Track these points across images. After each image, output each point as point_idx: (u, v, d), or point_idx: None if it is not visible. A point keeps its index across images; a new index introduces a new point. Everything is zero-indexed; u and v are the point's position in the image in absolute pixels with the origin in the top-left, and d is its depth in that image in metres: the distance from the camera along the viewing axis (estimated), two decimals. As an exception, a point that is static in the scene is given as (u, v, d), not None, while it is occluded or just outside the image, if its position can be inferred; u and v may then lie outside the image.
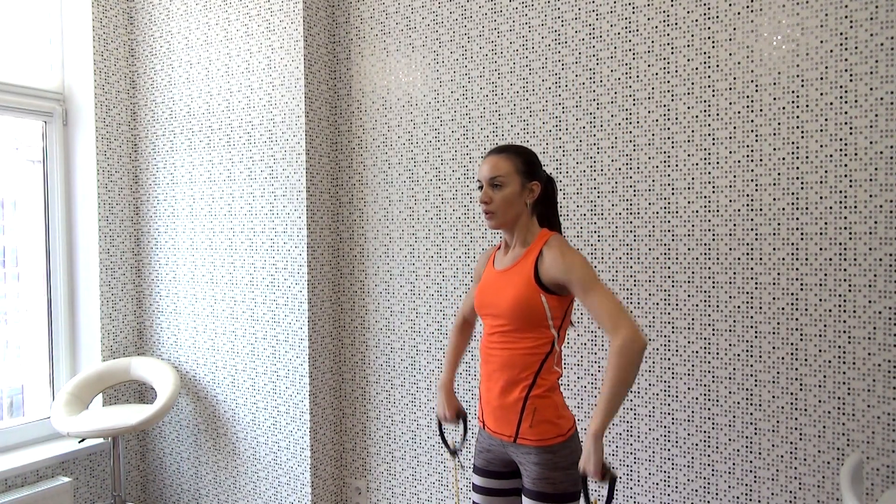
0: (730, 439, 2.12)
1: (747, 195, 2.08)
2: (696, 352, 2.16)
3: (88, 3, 2.94)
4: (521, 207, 1.74)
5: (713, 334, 2.13)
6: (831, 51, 1.96)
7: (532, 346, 1.68)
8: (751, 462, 2.09)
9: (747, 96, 2.07)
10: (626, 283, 2.25)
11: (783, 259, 2.04)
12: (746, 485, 2.10)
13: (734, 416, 2.11)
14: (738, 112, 2.08)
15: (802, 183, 2.00)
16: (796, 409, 2.03)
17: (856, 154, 1.94)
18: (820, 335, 1.99)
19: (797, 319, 2.02)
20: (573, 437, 1.72)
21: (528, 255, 1.71)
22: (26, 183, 3.00)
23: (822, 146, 1.98)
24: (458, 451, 2.02)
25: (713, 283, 2.13)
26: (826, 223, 1.98)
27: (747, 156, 2.07)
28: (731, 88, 2.09)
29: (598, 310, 1.59)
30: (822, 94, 1.98)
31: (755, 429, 2.08)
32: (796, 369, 2.03)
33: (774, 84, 2.03)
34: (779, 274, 2.04)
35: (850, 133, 1.94)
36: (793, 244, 2.02)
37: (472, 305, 1.96)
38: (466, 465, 2.50)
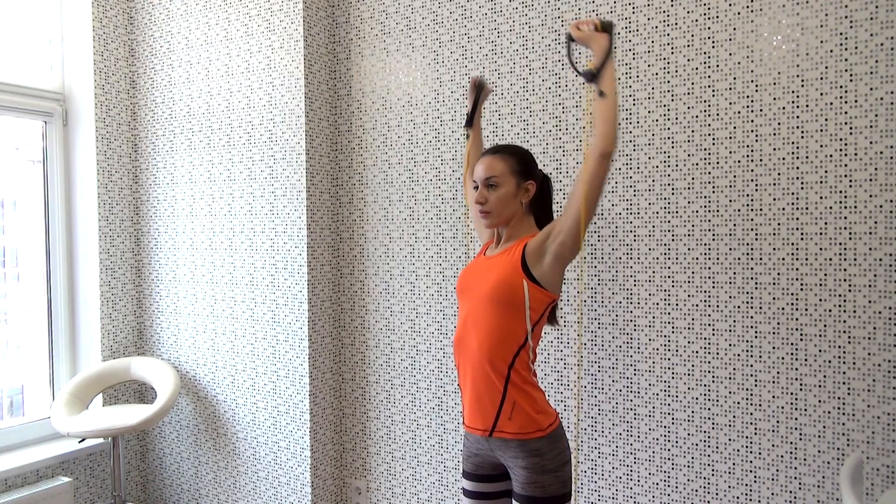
0: (730, 439, 2.12)
1: (747, 195, 2.08)
2: (696, 352, 2.16)
3: (88, 3, 2.94)
4: (517, 207, 1.75)
5: (713, 334, 2.13)
6: (831, 51, 1.96)
7: (506, 331, 1.67)
8: (751, 462, 2.09)
9: (747, 96, 2.07)
10: (626, 283, 2.25)
11: (783, 259, 2.04)
12: (746, 485, 2.10)
13: (734, 416, 2.11)
14: (738, 112, 2.08)
15: (802, 183, 2.00)
16: (796, 409, 2.03)
17: (856, 154, 1.94)
18: (820, 335, 1.99)
19: (797, 319, 2.02)
20: (556, 435, 1.70)
21: (518, 244, 1.73)
22: (26, 183, 3.00)
23: (822, 146, 1.98)
24: (470, 122, 2.11)
25: (713, 283, 2.13)
26: (826, 223, 1.98)
27: (747, 156, 2.07)
28: (731, 88, 2.09)
29: (575, 187, 1.63)
30: (822, 94, 1.98)
31: (755, 429, 2.08)
32: (796, 369, 2.03)
33: (774, 84, 2.03)
34: (779, 274, 2.04)
35: (850, 133, 1.94)
36: (793, 244, 2.02)
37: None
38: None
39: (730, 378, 2.11)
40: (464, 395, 1.78)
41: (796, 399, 2.03)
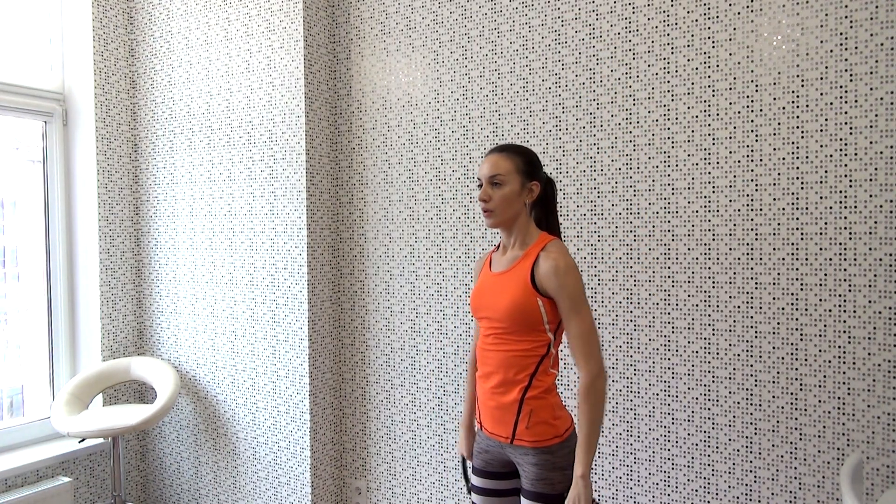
0: (730, 439, 2.12)
1: (747, 195, 2.08)
2: (696, 352, 2.16)
3: (88, 3, 2.94)
4: (520, 207, 1.73)
5: (713, 334, 2.13)
6: (831, 51, 1.96)
7: (528, 348, 1.68)
8: (751, 462, 2.09)
9: (747, 96, 2.07)
10: (626, 283, 2.25)
11: (783, 259, 2.04)
12: (746, 485, 2.10)
13: (734, 416, 2.11)
14: (738, 112, 2.08)
15: (802, 183, 2.00)
16: (796, 409, 2.03)
17: (856, 154, 1.94)
18: (820, 335, 1.99)
19: (797, 319, 2.02)
20: (571, 437, 1.71)
21: (525, 258, 1.70)
22: (26, 183, 3.00)
23: (822, 146, 1.98)
24: (473, 487, 1.90)
25: (713, 283, 2.13)
26: (826, 223, 1.98)
27: (747, 156, 2.07)
28: (731, 88, 2.09)
29: (575, 333, 1.64)
30: (822, 94, 1.98)
31: (755, 429, 2.08)
32: (796, 369, 2.03)
33: (774, 84, 2.03)
34: (779, 274, 2.04)
35: (850, 133, 1.94)
36: (793, 244, 2.02)
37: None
38: None
39: (730, 378, 2.11)
40: (481, 399, 1.78)
41: (796, 399, 2.03)
